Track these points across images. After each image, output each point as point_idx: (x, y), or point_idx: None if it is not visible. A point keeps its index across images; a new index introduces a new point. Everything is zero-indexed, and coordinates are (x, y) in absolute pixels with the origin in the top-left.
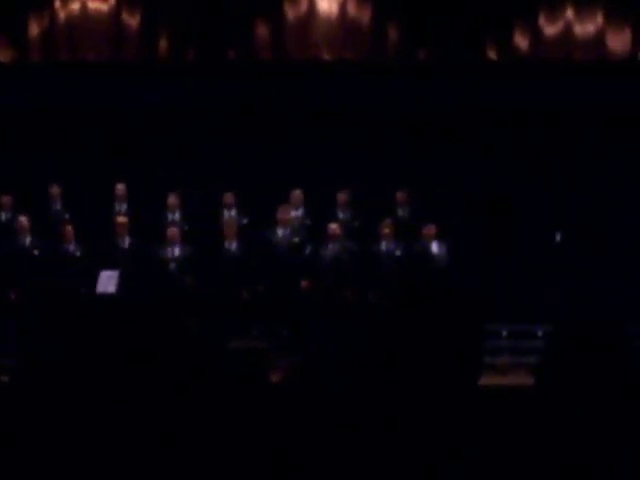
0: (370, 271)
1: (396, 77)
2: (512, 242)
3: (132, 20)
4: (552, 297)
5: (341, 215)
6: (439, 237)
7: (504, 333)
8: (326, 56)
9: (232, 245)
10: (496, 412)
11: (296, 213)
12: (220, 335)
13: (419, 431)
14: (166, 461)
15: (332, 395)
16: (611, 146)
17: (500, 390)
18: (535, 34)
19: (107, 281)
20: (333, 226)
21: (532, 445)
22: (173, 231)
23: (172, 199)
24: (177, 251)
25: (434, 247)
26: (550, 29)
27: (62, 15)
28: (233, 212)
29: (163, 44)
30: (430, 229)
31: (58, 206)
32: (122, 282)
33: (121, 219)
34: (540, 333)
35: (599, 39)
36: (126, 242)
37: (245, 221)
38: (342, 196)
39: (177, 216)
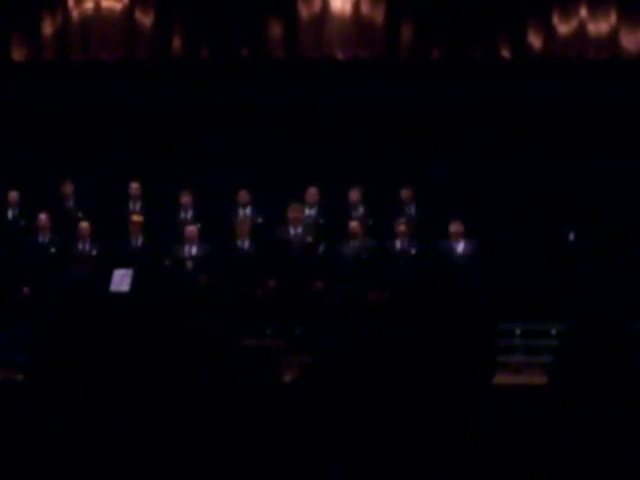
0: (388, 269)
1: (410, 76)
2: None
3: (145, 19)
4: (566, 295)
5: (354, 213)
6: (466, 235)
7: (518, 332)
8: (339, 55)
9: (245, 243)
10: (509, 411)
11: (310, 211)
12: (234, 333)
13: (432, 430)
14: (177, 460)
15: (345, 394)
16: (625, 144)
17: (514, 389)
18: (549, 33)
19: (121, 279)
20: (353, 224)
21: (545, 444)
22: (191, 230)
23: (185, 197)
24: (195, 250)
25: (459, 245)
26: (564, 28)
27: (75, 14)
28: (248, 210)
29: (176, 43)
30: (457, 227)
31: (71, 204)
32: (136, 281)
33: (136, 218)
34: (554, 332)
35: (612, 37)
36: (140, 241)
37: (260, 220)
38: (356, 194)
39: (190, 214)
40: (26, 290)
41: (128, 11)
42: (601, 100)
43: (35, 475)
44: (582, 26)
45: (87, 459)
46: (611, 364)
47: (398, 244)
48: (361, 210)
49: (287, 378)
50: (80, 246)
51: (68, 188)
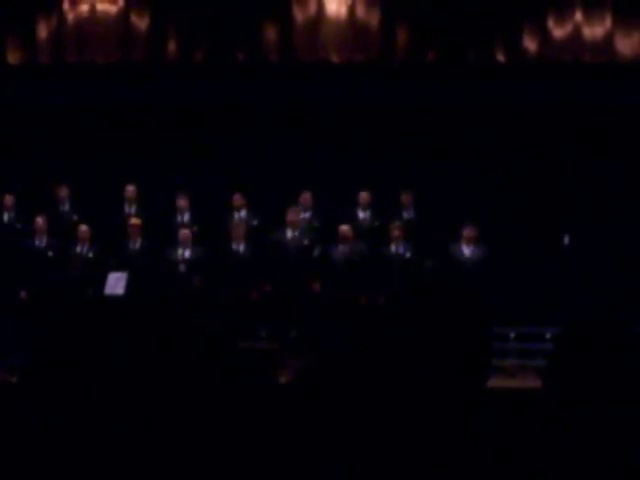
0: (380, 273)
1: (405, 78)
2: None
3: (141, 22)
4: (560, 299)
5: (357, 215)
6: (477, 240)
7: (512, 335)
8: (335, 58)
9: (240, 246)
10: (504, 414)
11: (304, 215)
12: (229, 335)
13: (427, 432)
14: (176, 460)
15: (341, 395)
16: (620, 147)
17: (508, 392)
18: (544, 36)
19: (115, 283)
20: (344, 228)
21: (540, 447)
22: (185, 233)
23: (181, 201)
24: (188, 253)
25: (466, 250)
26: (559, 31)
27: (70, 17)
28: (243, 213)
29: (172, 46)
30: (470, 231)
31: (66, 207)
32: (131, 283)
33: (135, 220)
34: (548, 335)
35: (608, 41)
36: (138, 244)
37: (255, 222)
38: (364, 196)
39: (186, 218)
40: (23, 293)
41: (123, 14)
42: (597, 103)
43: (32, 476)
44: (577, 30)
45: (84, 461)
46: (606, 368)
47: (393, 248)
48: (362, 213)
49: (282, 380)
50: (78, 249)
51: (63, 191)
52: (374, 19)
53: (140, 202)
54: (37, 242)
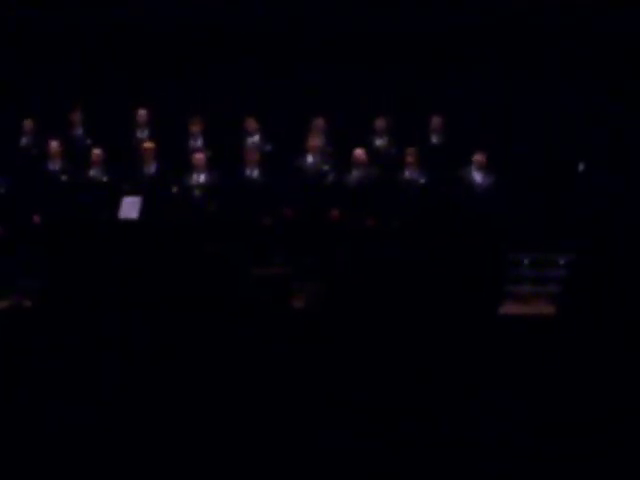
0: (394, 198)
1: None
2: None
3: None
4: (575, 226)
5: (375, 141)
6: (487, 166)
7: (526, 262)
8: None
9: (254, 172)
10: (517, 340)
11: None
12: (243, 261)
13: (440, 357)
14: (186, 388)
15: (353, 320)
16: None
17: (521, 318)
18: None
19: (130, 207)
20: (358, 151)
21: (552, 373)
22: (199, 157)
23: (195, 125)
24: (203, 177)
25: (477, 176)
26: None
27: None
28: (256, 138)
29: None
30: (480, 157)
31: (80, 132)
32: (145, 208)
33: (148, 144)
34: (562, 262)
35: None
36: (152, 168)
37: (269, 147)
38: (381, 122)
39: (199, 142)
40: (36, 218)
41: None
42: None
43: (42, 398)
44: None
45: (95, 383)
46: (618, 295)
47: (407, 174)
48: (381, 139)
49: (296, 305)
50: (92, 173)
51: (77, 116)
52: None
53: (152, 126)
54: (51, 166)
